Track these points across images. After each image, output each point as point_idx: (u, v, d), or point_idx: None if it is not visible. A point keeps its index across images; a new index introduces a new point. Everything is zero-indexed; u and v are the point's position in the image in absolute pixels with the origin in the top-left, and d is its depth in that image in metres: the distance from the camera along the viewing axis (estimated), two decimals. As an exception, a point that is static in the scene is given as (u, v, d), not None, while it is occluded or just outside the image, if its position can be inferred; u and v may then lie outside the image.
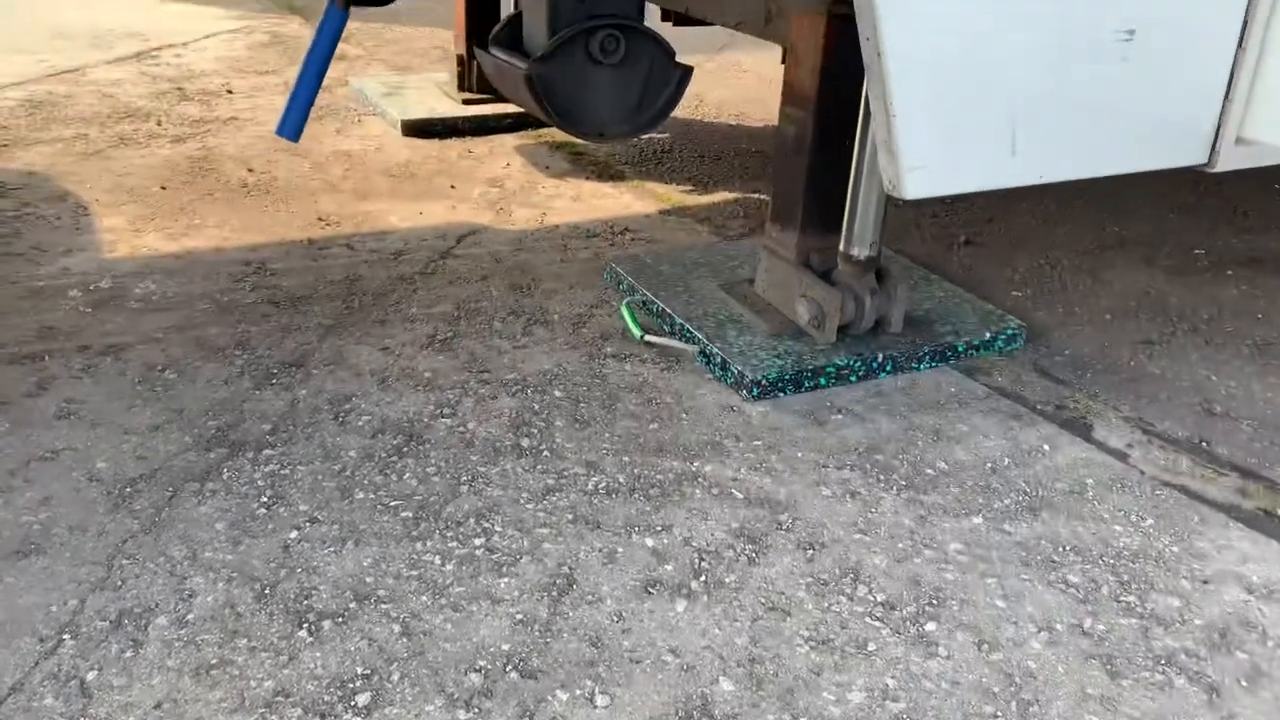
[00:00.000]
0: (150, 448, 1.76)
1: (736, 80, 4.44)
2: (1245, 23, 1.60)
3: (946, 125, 1.47)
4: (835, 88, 1.97)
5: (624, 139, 2.16)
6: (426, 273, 2.46)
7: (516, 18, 1.98)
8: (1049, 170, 1.58)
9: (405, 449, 1.79)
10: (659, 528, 1.62)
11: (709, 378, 2.06)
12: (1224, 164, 1.72)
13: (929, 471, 1.79)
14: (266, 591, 1.46)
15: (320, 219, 2.75)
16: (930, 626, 1.44)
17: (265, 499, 1.65)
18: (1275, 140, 1.67)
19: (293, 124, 2.14)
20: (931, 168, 1.48)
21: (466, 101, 3.59)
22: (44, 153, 3.12)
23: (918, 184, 1.48)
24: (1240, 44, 1.62)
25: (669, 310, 2.22)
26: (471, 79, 3.59)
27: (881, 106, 1.42)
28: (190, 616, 1.41)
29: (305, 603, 1.44)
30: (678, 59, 2.05)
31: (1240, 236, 2.86)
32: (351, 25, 5.14)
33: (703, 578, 1.52)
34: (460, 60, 3.61)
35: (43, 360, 2.00)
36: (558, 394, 1.98)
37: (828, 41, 1.94)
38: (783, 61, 3.03)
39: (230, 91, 3.87)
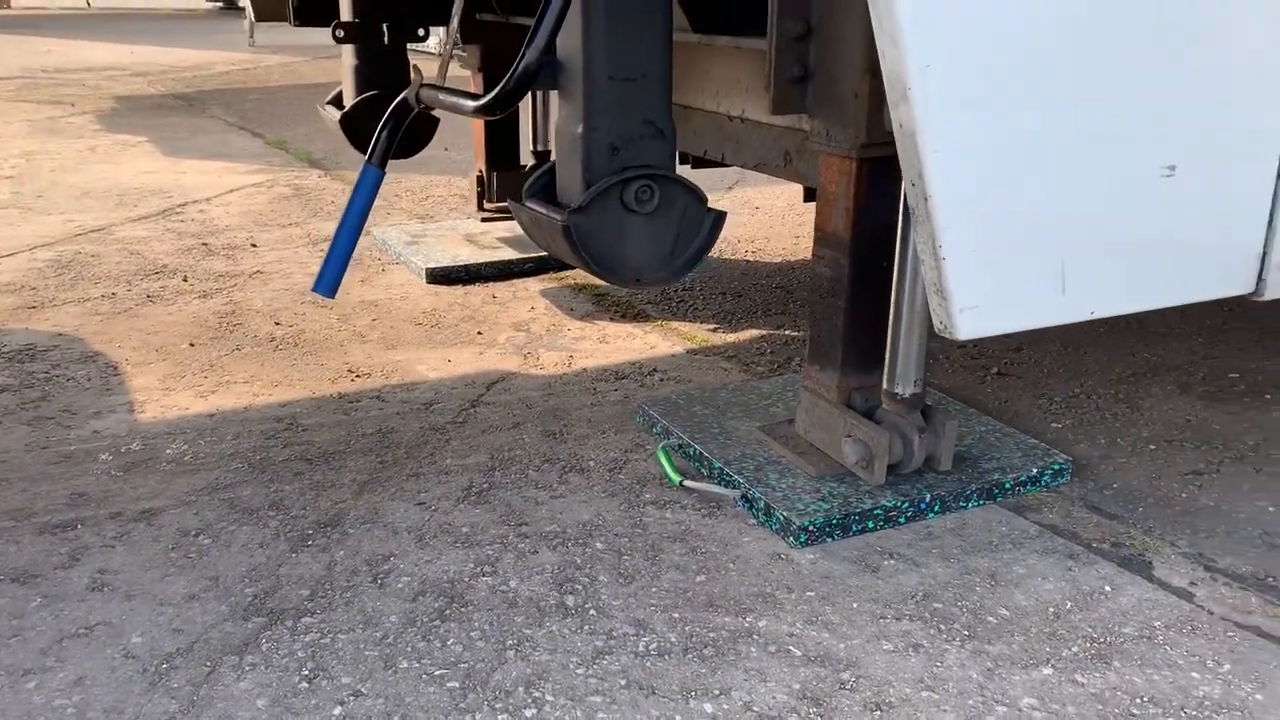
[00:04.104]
0: (186, 619, 1.71)
1: (750, 217, 4.52)
2: (1280, 154, 1.63)
3: (996, 266, 1.47)
4: (869, 228, 1.98)
5: (660, 285, 2.17)
6: (458, 422, 2.45)
7: (550, 169, 2.01)
8: (1100, 306, 1.58)
9: (447, 612, 1.73)
10: (717, 691, 1.55)
11: (752, 523, 2.01)
12: (1272, 292, 1.71)
13: (990, 619, 1.72)
14: (311, 775, 1.39)
15: (350, 370, 2.75)
16: (1013, 793, 1.36)
17: (306, 671, 1.59)
18: (1317, 268, 1.67)
19: (329, 281, 2.16)
20: (983, 308, 1.48)
21: (486, 219, 3.79)
22: (72, 313, 3.15)
23: (970, 324, 1.48)
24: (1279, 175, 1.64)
25: (706, 454, 2.19)
26: (491, 193, 3.78)
27: (930, 249, 1.43)
28: (232, 806, 1.34)
29: (352, 787, 1.37)
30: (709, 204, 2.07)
31: (1274, 359, 2.84)
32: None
33: (768, 745, 1.45)
34: (480, 180, 3.79)
35: (75, 529, 1.97)
36: (599, 546, 1.93)
37: (859, 183, 1.96)
38: (805, 199, 3.09)
39: (255, 245, 3.93)
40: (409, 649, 1.64)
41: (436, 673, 1.59)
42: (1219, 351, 2.90)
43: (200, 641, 1.66)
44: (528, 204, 1.97)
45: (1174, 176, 1.52)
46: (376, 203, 4.69)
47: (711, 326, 3.15)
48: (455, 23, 2.21)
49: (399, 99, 2.18)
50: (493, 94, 1.82)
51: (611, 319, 3.19)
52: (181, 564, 1.87)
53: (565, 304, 3.32)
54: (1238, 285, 1.66)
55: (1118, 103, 1.48)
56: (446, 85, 2.16)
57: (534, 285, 3.51)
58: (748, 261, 3.86)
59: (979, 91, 1.37)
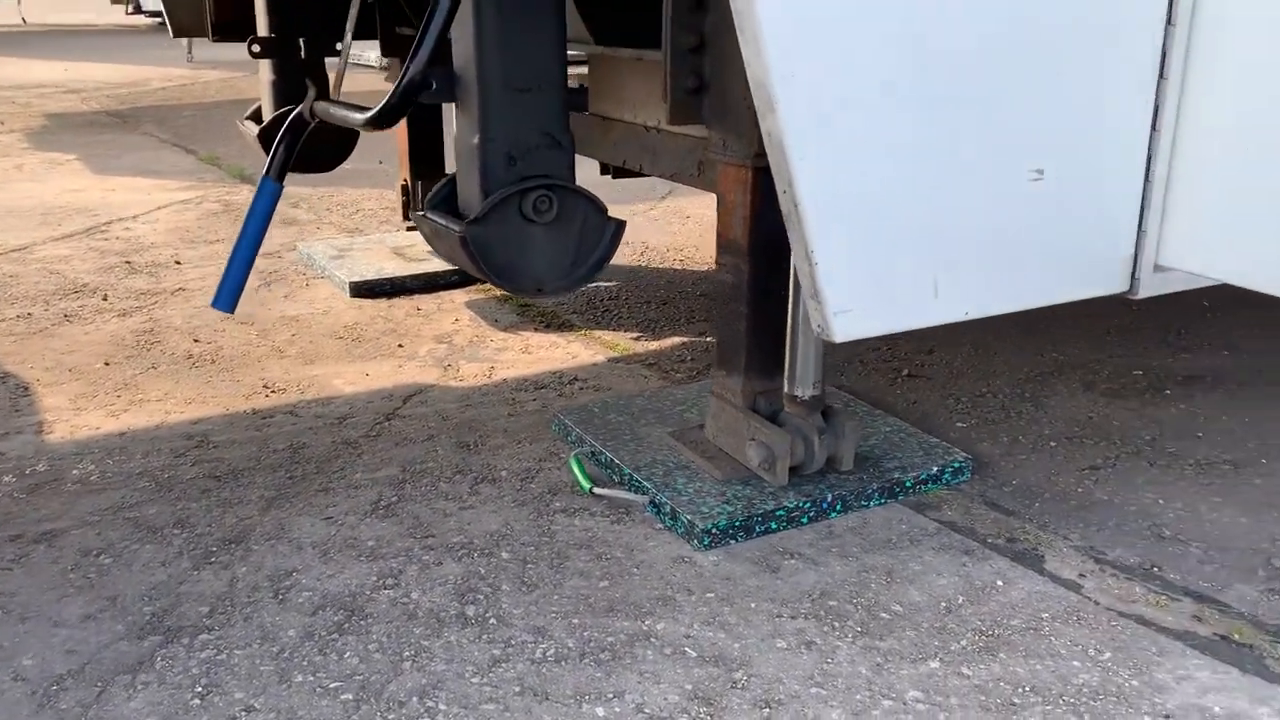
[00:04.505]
0: (80, 640, 1.70)
1: (680, 226, 4.55)
2: (1149, 158, 1.68)
3: (868, 270, 1.51)
4: (766, 235, 2.02)
5: (561, 294, 2.19)
6: (372, 436, 2.45)
7: (451, 181, 2.02)
8: (974, 307, 1.62)
9: (346, 625, 1.73)
10: (610, 694, 1.57)
11: (660, 528, 2.03)
12: (1145, 291, 1.77)
13: (884, 615, 1.76)
14: (198, 791, 1.39)
15: (265, 386, 2.74)
16: (892, 784, 1.40)
17: (200, 688, 1.58)
18: (1189, 267, 1.72)
19: (227, 296, 2.16)
20: (857, 311, 1.52)
21: (411, 228, 3.77)
22: (-13, 334, 3.11)
23: (845, 327, 1.51)
24: (1147, 178, 1.70)
25: (617, 460, 2.21)
26: (417, 202, 3.81)
27: (804, 254, 1.46)
28: (115, 825, 1.33)
29: (238, 801, 1.37)
30: (613, 213, 2.10)
31: (1176, 356, 2.93)
32: (301, 191, 5.25)
33: (656, 746, 1.47)
34: (405, 189, 3.78)
35: (-28, 552, 1.95)
36: (505, 556, 1.94)
37: (754, 192, 1.99)
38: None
39: (179, 262, 3.90)
40: (305, 663, 1.64)
41: (331, 685, 1.59)
42: (1125, 350, 2.97)
43: (93, 662, 1.64)
44: (429, 215, 1.99)
45: (1042, 180, 1.57)
46: (306, 217, 4.68)
47: (635, 335, 3.17)
48: (349, 38, 2.21)
49: (294, 113, 2.18)
50: (379, 107, 1.83)
51: (536, 329, 3.20)
52: (80, 584, 1.85)
53: (490, 315, 3.33)
54: (1112, 284, 1.71)
55: (984, 108, 1.52)
56: (342, 99, 2.17)
57: (460, 297, 3.51)
58: (675, 270, 3.89)
59: (844, 100, 1.40)
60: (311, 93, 2.18)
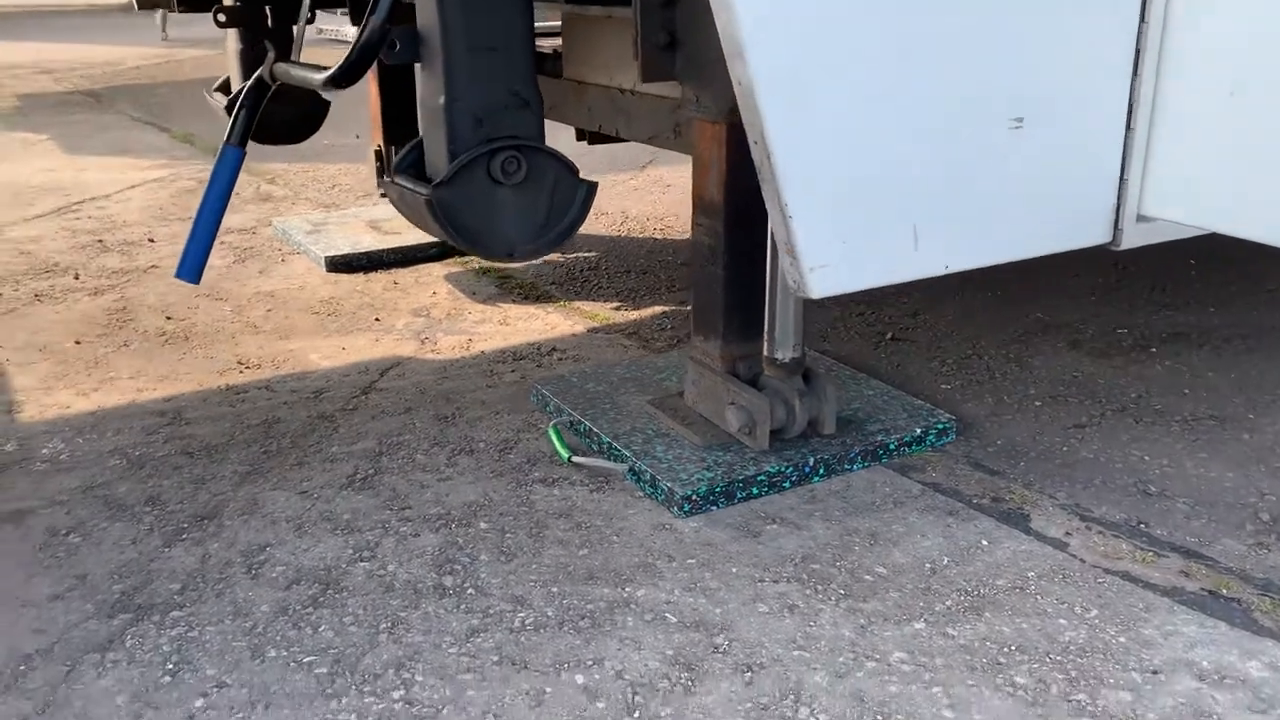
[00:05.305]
0: (49, 619, 1.66)
1: (661, 195, 4.50)
2: (1130, 105, 1.64)
3: (845, 223, 1.47)
4: (743, 194, 1.98)
5: (533, 257, 2.15)
6: (348, 409, 2.41)
7: (418, 144, 1.97)
8: (954, 260, 1.59)
9: (321, 599, 1.70)
10: (590, 662, 1.54)
11: (640, 496, 2.00)
12: (1129, 241, 1.73)
13: (867, 578, 1.73)
14: (168, 769, 1.36)
15: (240, 363, 2.69)
16: (876, 746, 1.37)
17: (170, 665, 1.55)
18: (1172, 216, 1.69)
19: (191, 266, 2.11)
20: (834, 266, 1.48)
21: (385, 196, 3.63)
22: (-45, 315, 3.05)
23: (822, 283, 1.47)
24: (1128, 126, 1.66)
25: (596, 429, 2.18)
26: (390, 167, 3.66)
27: (777, 208, 1.42)
28: (83, 805, 1.30)
29: (209, 779, 1.34)
30: (590, 176, 2.05)
31: (1161, 313, 2.90)
32: (276, 167, 5.18)
33: (636, 714, 1.44)
34: (378, 154, 3.66)
35: (-63, 533, 1.90)
36: (483, 526, 1.91)
37: (730, 149, 1.95)
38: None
39: (152, 240, 3.84)
40: (278, 638, 1.61)
41: (305, 659, 1.56)
42: (1110, 309, 2.94)
43: (61, 641, 1.61)
44: (396, 180, 1.94)
45: (1022, 128, 1.53)
46: (282, 193, 4.62)
47: (615, 305, 3.13)
48: (307, 2, 2.15)
49: (254, 76, 2.12)
50: (337, 66, 1.78)
51: (514, 301, 3.16)
52: (48, 564, 1.81)
53: (468, 288, 3.28)
54: (1094, 235, 1.68)
55: (962, 53, 1.48)
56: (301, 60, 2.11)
57: (438, 270, 3.46)
58: (655, 239, 3.85)
59: (816, 46, 1.36)
60: (270, 55, 2.12)
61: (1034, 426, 2.26)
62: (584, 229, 3.97)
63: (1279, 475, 2.02)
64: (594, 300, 3.16)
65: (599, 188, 2.11)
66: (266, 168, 5.02)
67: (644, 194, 4.51)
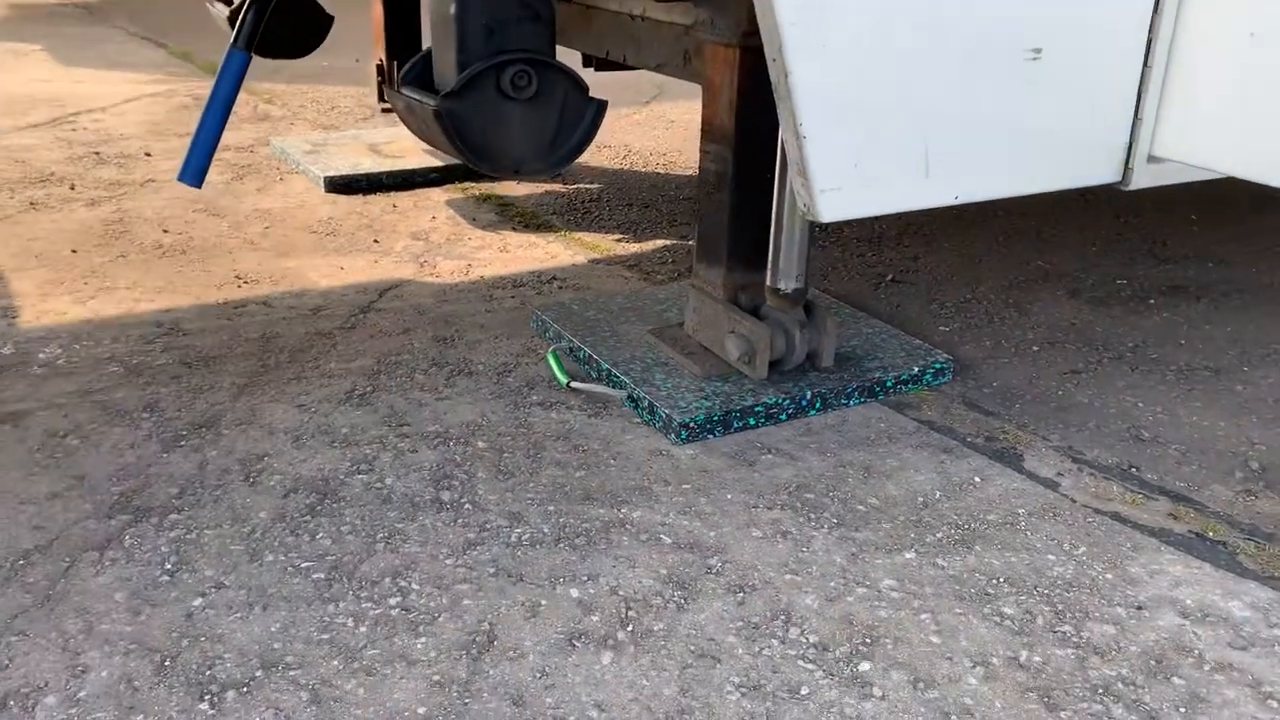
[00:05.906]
0: (48, 517, 1.67)
1: (665, 131, 4.46)
2: (1149, 42, 1.62)
3: (858, 147, 1.46)
4: (753, 121, 1.96)
5: (540, 176, 2.13)
6: (346, 328, 2.40)
7: (426, 56, 1.94)
8: (964, 190, 1.58)
9: (319, 508, 1.71)
10: (584, 577, 1.56)
11: (637, 422, 2.01)
12: (1138, 182, 1.73)
13: (860, 508, 1.75)
14: (166, 663, 1.37)
15: (238, 278, 2.68)
16: (864, 667, 1.40)
17: (169, 566, 1.56)
18: (1184, 158, 1.68)
19: (194, 169, 2.08)
20: (845, 189, 1.47)
21: (386, 110, 3.53)
22: (-51, 220, 3.02)
23: (832, 206, 1.47)
24: (1146, 63, 1.64)
25: (595, 356, 2.18)
26: (392, 82, 3.55)
27: (791, 128, 1.41)
28: (82, 694, 1.32)
29: (208, 673, 1.36)
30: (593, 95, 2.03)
31: (1160, 266, 2.90)
32: (274, 87, 5.11)
33: (630, 627, 1.46)
34: (380, 69, 3.53)
35: (-65, 431, 1.90)
36: (481, 445, 1.92)
37: (742, 73, 1.93)
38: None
39: (149, 154, 3.79)
40: (276, 543, 1.62)
41: (302, 565, 1.57)
42: (1110, 260, 2.95)
43: (60, 538, 1.62)
44: (403, 90, 1.91)
45: (1039, 60, 1.52)
46: (280, 113, 4.56)
47: (616, 237, 3.12)
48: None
49: (261, -22, 2.09)
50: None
51: (515, 229, 3.14)
52: (47, 464, 1.82)
53: (468, 214, 3.26)
54: (1105, 173, 1.67)
55: (983, -16, 1.46)
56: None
57: (438, 195, 3.44)
58: (659, 174, 3.82)
59: (839, -34, 1.34)
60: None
61: (1030, 370, 2.27)
62: (586, 161, 3.94)
63: (1271, 426, 2.05)
64: (595, 231, 3.15)
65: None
66: (264, 87, 4.95)
67: (647, 129, 4.47)
